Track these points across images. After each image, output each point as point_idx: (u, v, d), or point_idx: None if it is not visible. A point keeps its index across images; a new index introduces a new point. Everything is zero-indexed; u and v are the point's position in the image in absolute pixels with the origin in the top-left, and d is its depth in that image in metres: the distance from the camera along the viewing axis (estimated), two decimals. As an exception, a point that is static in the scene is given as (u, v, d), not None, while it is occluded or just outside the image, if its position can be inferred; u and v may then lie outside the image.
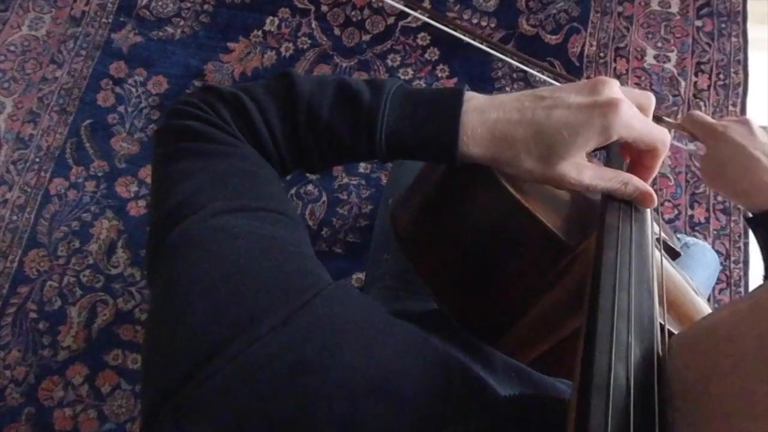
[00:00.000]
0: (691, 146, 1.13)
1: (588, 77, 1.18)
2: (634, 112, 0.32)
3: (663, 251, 0.42)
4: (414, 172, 0.48)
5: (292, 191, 1.14)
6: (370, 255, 0.73)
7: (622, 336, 0.23)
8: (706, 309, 0.42)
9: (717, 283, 1.06)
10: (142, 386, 0.29)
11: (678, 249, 0.51)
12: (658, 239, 0.41)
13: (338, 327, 0.27)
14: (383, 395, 0.26)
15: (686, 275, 0.48)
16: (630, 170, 0.37)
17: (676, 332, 0.31)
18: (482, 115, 0.33)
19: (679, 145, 1.10)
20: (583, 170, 0.33)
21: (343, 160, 0.37)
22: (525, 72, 1.18)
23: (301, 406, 0.24)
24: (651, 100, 0.35)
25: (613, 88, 0.32)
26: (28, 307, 1.08)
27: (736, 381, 0.19)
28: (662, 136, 0.34)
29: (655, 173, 0.36)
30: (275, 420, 0.24)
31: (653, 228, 0.36)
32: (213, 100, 0.35)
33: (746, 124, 0.51)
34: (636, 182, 0.35)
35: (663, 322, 0.29)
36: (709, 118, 0.54)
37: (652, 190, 0.35)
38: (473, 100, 0.34)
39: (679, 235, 0.87)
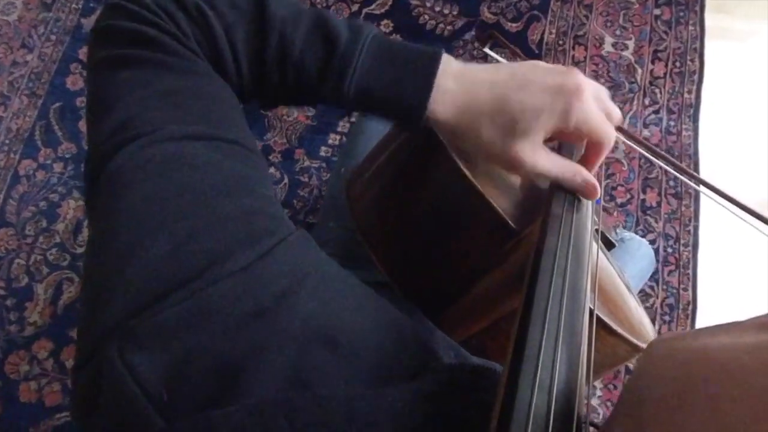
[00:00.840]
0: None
1: (546, 64, 1.20)
2: (594, 105, 0.33)
3: (600, 241, 0.45)
4: (371, 144, 0.49)
5: (255, 173, 1.16)
6: (317, 223, 0.73)
7: (554, 316, 0.25)
8: (631, 298, 0.45)
9: (667, 265, 1.08)
10: (80, 327, 0.27)
11: (614, 240, 0.54)
12: (596, 230, 0.43)
13: (298, 276, 0.27)
14: (334, 346, 0.25)
15: (618, 266, 0.51)
16: (582, 160, 0.38)
17: (602, 316, 0.34)
18: (455, 81, 0.33)
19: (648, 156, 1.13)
20: (538, 153, 0.33)
21: (303, 99, 0.35)
22: (485, 59, 1.21)
23: (252, 349, 0.24)
24: (607, 95, 0.36)
25: (581, 76, 0.33)
26: (-4, 284, 1.11)
27: (706, 427, 0.16)
28: (610, 134, 0.35)
29: (596, 168, 0.37)
30: (224, 360, 0.24)
31: (593, 219, 0.37)
32: (171, 7, 0.30)
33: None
34: (585, 174, 0.35)
35: (593, 307, 0.31)
36: None
37: (597, 184, 0.36)
38: (449, 64, 0.34)
39: (617, 230, 0.91)
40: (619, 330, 0.35)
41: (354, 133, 0.75)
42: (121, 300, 0.24)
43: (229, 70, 0.32)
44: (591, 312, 0.28)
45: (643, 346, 0.36)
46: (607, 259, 0.48)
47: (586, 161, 0.37)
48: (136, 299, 0.24)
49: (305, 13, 0.33)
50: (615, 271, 0.47)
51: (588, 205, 0.37)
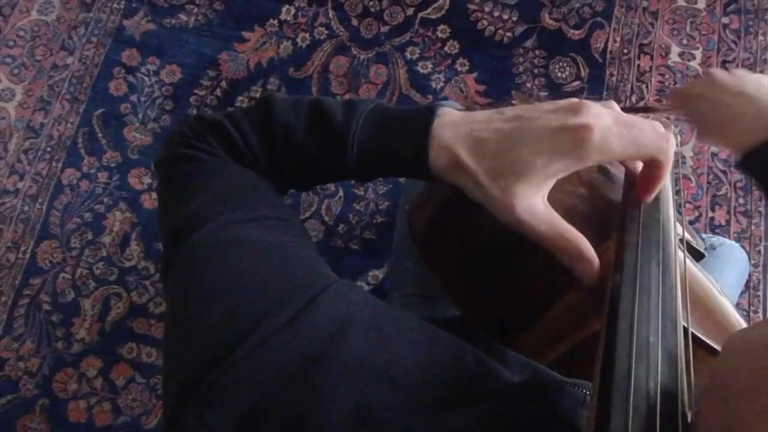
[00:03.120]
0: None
1: (611, 74, 1.16)
2: (611, 133, 0.30)
3: (686, 252, 0.41)
4: None
5: (308, 186, 1.12)
6: (391, 261, 0.73)
7: (643, 338, 0.23)
8: (732, 311, 0.42)
9: (736, 287, 1.05)
10: (163, 387, 0.31)
11: (702, 250, 0.50)
12: (681, 240, 0.40)
13: (343, 319, 0.29)
14: (390, 381, 0.27)
15: (711, 277, 0.47)
16: (637, 181, 0.35)
17: (700, 335, 0.31)
18: (453, 129, 0.32)
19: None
20: (535, 206, 0.30)
21: (323, 179, 0.39)
22: (546, 68, 1.16)
23: (311, 395, 0.26)
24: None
25: (590, 111, 0.30)
26: (41, 299, 1.07)
27: None
28: (656, 145, 0.31)
29: (661, 183, 0.34)
30: (288, 409, 0.26)
31: (676, 229, 0.35)
32: (200, 129, 0.38)
33: (710, 76, 0.53)
34: (586, 253, 0.31)
35: (687, 325, 0.29)
36: (685, 87, 0.55)
37: (596, 263, 0.31)
38: (447, 115, 0.33)
39: (704, 236, 0.85)
40: (720, 348, 0.33)
41: None
42: (188, 367, 0.28)
43: (254, 166, 0.37)
44: (685, 330, 0.26)
45: None
46: (698, 270, 0.45)
47: (646, 179, 0.34)
48: (200, 365, 0.27)
49: (304, 105, 0.36)
50: (710, 283, 0.44)
51: (669, 214, 0.34)
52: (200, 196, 0.35)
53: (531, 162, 0.30)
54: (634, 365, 0.21)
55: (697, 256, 0.50)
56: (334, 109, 0.36)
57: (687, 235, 0.50)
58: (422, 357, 0.29)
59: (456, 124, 0.33)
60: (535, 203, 0.30)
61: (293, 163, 0.37)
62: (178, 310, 0.32)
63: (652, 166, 0.33)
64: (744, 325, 0.41)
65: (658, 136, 0.31)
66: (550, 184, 0.31)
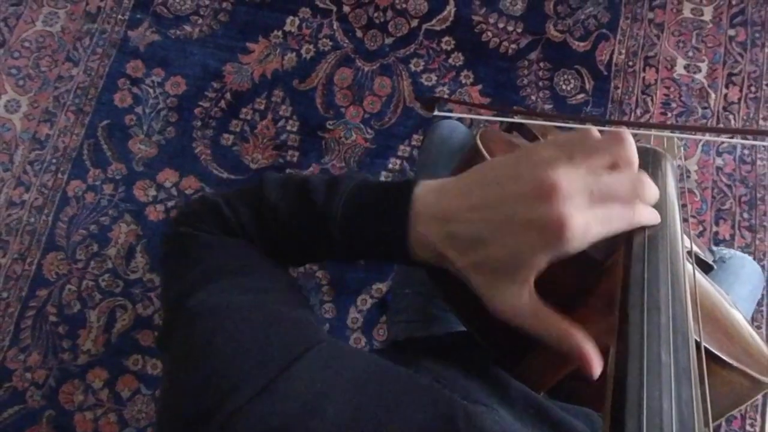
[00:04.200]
0: (719, 160, 1.11)
1: (615, 87, 1.15)
2: (590, 216, 0.28)
3: (695, 265, 0.41)
4: None
5: (312, 199, 1.13)
6: (392, 289, 0.74)
7: (654, 354, 0.23)
8: (744, 324, 0.41)
9: (739, 302, 1.05)
10: None
11: (711, 262, 0.50)
12: (689, 252, 0.40)
13: (321, 388, 0.28)
14: None
15: (721, 290, 0.47)
16: None
17: (712, 349, 0.31)
18: (429, 223, 0.32)
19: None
20: (517, 305, 0.30)
21: (314, 258, 0.40)
22: (551, 80, 1.16)
23: None
24: (625, 146, 0.30)
25: (559, 195, 0.27)
26: (48, 311, 1.08)
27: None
28: (630, 220, 0.30)
29: (652, 221, 0.33)
30: None
31: (683, 242, 0.34)
32: (198, 210, 0.41)
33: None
34: (577, 340, 0.30)
35: (699, 339, 0.28)
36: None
37: (594, 358, 0.29)
38: (420, 200, 0.32)
39: (714, 248, 0.85)
40: (735, 363, 0.32)
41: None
42: None
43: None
44: (698, 345, 0.26)
45: (766, 379, 0.33)
46: (708, 283, 0.45)
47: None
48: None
49: (292, 186, 0.38)
50: (720, 295, 0.44)
51: (676, 227, 0.34)
52: (192, 269, 0.36)
53: (507, 262, 0.29)
54: (646, 383, 0.21)
55: (706, 268, 0.50)
56: (316, 190, 0.36)
57: (695, 248, 0.49)
58: (410, 423, 0.28)
59: (432, 211, 0.32)
60: (517, 302, 0.30)
61: (284, 243, 0.38)
62: (165, 377, 0.33)
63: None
64: (757, 337, 0.40)
65: (628, 213, 0.29)
66: (534, 276, 0.29)
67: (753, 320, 1.05)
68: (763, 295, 1.06)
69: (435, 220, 0.32)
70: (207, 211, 0.40)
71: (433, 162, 0.73)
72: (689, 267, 0.33)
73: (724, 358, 0.31)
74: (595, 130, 0.31)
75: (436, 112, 0.65)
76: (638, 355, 0.22)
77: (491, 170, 0.32)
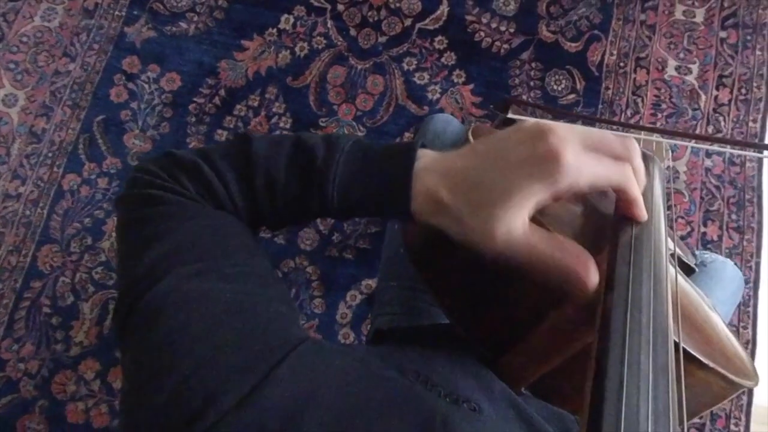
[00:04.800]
0: (708, 162, 1.12)
1: (606, 88, 1.16)
2: (585, 157, 0.30)
3: (677, 268, 0.41)
4: None
5: (304, 195, 1.14)
6: (377, 282, 0.74)
7: (635, 353, 0.23)
8: (722, 327, 0.42)
9: (726, 302, 1.05)
10: None
11: (693, 265, 0.51)
12: (672, 255, 0.40)
13: (304, 393, 0.27)
14: None
15: (701, 292, 0.48)
16: (617, 205, 0.35)
17: (690, 349, 0.31)
18: (432, 171, 0.33)
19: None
20: (514, 230, 0.30)
21: (300, 219, 0.37)
22: (542, 80, 1.17)
23: None
24: (602, 137, 0.32)
25: (556, 135, 0.30)
26: (42, 302, 1.10)
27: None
28: (620, 175, 0.31)
29: (638, 205, 0.33)
30: None
31: (667, 244, 0.35)
32: (172, 168, 0.35)
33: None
34: (576, 266, 0.30)
35: (678, 340, 0.29)
36: None
37: (594, 274, 0.30)
38: (425, 157, 0.34)
39: (697, 252, 0.85)
40: (711, 364, 0.33)
41: None
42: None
43: (228, 207, 0.36)
44: (676, 345, 0.27)
45: (741, 381, 0.34)
46: (689, 285, 0.46)
47: (619, 214, 0.34)
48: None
49: (284, 143, 0.36)
50: (700, 298, 0.44)
51: (660, 230, 0.35)
52: (162, 243, 0.32)
53: (506, 189, 0.30)
54: (626, 380, 0.22)
55: (687, 271, 0.51)
56: (315, 145, 0.35)
57: (678, 251, 0.50)
58: (390, 427, 0.28)
59: (434, 165, 0.33)
60: (514, 227, 0.30)
61: (271, 201, 0.35)
62: (129, 381, 0.29)
63: (620, 199, 0.33)
64: (734, 340, 0.41)
65: (624, 167, 0.31)
66: (529, 207, 0.30)
67: (739, 321, 1.06)
68: (749, 296, 1.07)
69: (435, 172, 0.33)
70: (183, 170, 0.35)
71: None
72: (671, 269, 0.34)
73: (701, 359, 0.32)
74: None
75: (510, 114, 0.64)
76: (619, 352, 0.23)
77: (493, 135, 0.33)
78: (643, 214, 0.33)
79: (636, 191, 0.33)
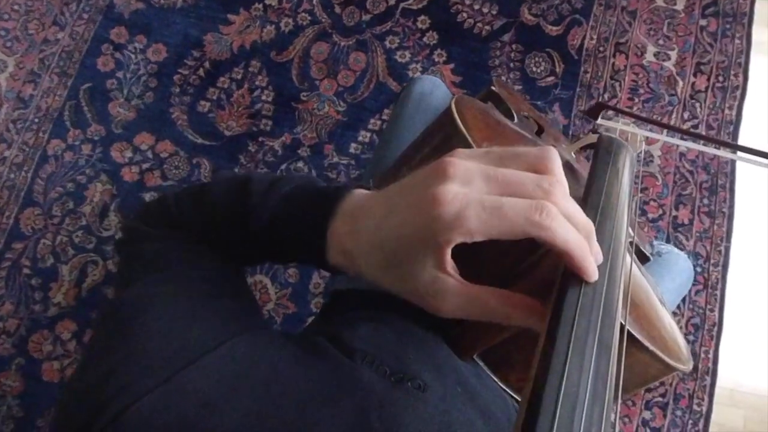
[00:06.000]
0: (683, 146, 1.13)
1: (585, 71, 1.18)
2: (470, 207, 0.24)
3: (634, 255, 0.43)
4: (397, 155, 0.49)
5: (283, 167, 1.16)
6: None
7: (582, 330, 0.24)
8: (666, 315, 0.44)
9: (694, 284, 1.07)
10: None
11: (648, 254, 0.52)
12: (630, 242, 0.41)
13: (226, 385, 0.27)
14: None
15: (652, 280, 0.50)
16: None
17: (634, 332, 0.33)
18: (349, 227, 0.30)
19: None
20: (442, 292, 0.27)
21: (243, 255, 0.39)
22: (522, 62, 1.18)
23: None
24: (547, 155, 0.26)
25: (455, 174, 0.25)
26: (22, 263, 1.12)
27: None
28: (528, 222, 0.24)
29: (584, 269, 0.26)
30: None
31: (628, 231, 0.36)
32: (149, 204, 0.43)
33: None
34: (503, 300, 0.27)
35: (624, 322, 0.30)
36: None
37: (526, 310, 0.27)
38: (350, 201, 0.31)
39: (654, 242, 0.88)
40: (651, 347, 0.35)
41: (381, 145, 0.75)
42: (67, 421, 0.28)
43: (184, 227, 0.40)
44: (622, 327, 0.28)
45: (675, 365, 0.36)
46: (642, 272, 0.47)
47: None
48: (75, 421, 0.27)
49: (239, 178, 0.37)
50: (649, 285, 0.46)
51: (622, 217, 0.36)
52: (132, 263, 0.38)
53: (401, 247, 0.26)
54: (570, 353, 0.23)
55: (643, 259, 0.52)
56: (260, 182, 0.36)
57: (636, 238, 0.52)
58: (317, 427, 0.27)
59: (347, 214, 0.30)
60: (431, 280, 0.26)
61: (215, 234, 0.38)
62: (82, 359, 0.33)
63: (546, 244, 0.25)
64: (675, 327, 0.43)
65: (532, 208, 0.24)
66: (440, 255, 0.26)
67: (706, 304, 1.07)
68: (717, 279, 1.08)
69: (349, 217, 0.30)
70: (155, 205, 0.41)
71: (409, 115, 0.70)
72: (628, 257, 0.34)
73: (643, 341, 0.34)
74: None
75: (600, 120, 0.63)
76: (569, 328, 0.24)
77: (413, 172, 0.29)
78: (588, 271, 0.26)
79: (562, 239, 0.25)
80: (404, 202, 0.27)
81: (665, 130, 1.12)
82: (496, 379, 0.40)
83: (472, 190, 0.25)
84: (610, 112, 0.61)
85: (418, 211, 0.25)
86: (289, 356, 0.32)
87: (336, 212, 0.30)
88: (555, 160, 0.26)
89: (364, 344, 0.35)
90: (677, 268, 0.76)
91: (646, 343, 0.34)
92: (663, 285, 0.72)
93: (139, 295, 0.33)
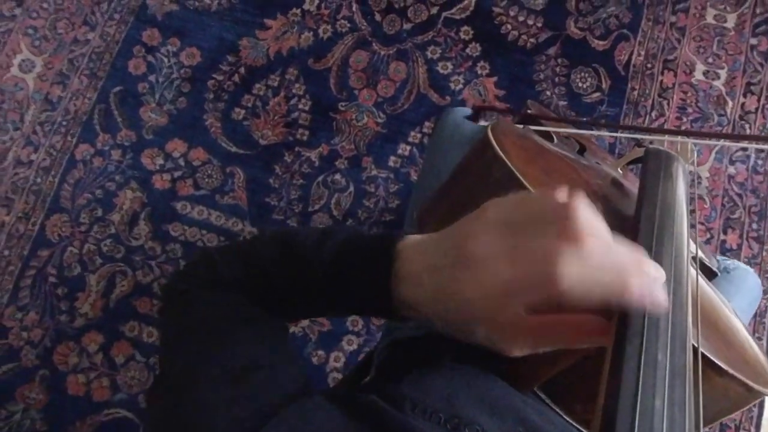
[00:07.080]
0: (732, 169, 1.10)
1: (632, 88, 1.14)
2: (505, 254, 0.26)
3: (699, 271, 0.40)
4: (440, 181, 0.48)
5: (320, 179, 1.12)
6: None
7: (651, 356, 0.23)
8: (744, 333, 0.41)
9: (741, 312, 1.04)
10: None
11: (715, 269, 0.50)
12: (694, 257, 0.40)
13: None
14: None
15: (723, 297, 0.46)
16: None
17: (709, 354, 0.31)
18: (412, 283, 0.30)
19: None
20: (511, 327, 0.26)
21: (306, 311, 0.39)
22: (568, 77, 1.15)
23: None
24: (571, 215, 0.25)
25: (574, 225, 0.24)
26: (48, 271, 1.08)
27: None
28: (619, 282, 0.24)
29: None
30: None
31: (690, 246, 0.34)
32: (195, 261, 0.41)
33: None
34: (578, 336, 0.27)
35: (696, 344, 0.28)
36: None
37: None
38: (403, 258, 0.31)
39: (719, 258, 0.84)
40: (730, 369, 0.32)
41: (424, 173, 0.74)
42: None
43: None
44: (695, 349, 0.26)
45: (760, 389, 0.33)
46: (712, 289, 0.44)
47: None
48: None
49: (278, 236, 0.38)
50: (722, 303, 0.43)
51: (682, 232, 0.34)
52: (174, 324, 0.38)
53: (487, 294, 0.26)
54: (641, 381, 0.21)
55: (709, 275, 0.50)
56: (305, 242, 0.35)
57: (700, 253, 0.49)
58: None
59: (408, 278, 0.30)
60: (508, 325, 0.26)
61: (273, 295, 0.37)
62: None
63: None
64: (755, 347, 0.40)
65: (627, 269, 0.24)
66: (513, 312, 0.26)
67: (754, 332, 1.04)
68: (766, 307, 1.05)
69: (411, 282, 0.30)
70: (201, 263, 0.39)
71: (445, 149, 0.71)
72: (693, 271, 0.33)
73: (720, 364, 0.31)
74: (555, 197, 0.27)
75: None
76: (636, 354, 0.22)
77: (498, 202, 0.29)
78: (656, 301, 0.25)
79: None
80: (521, 241, 0.26)
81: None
82: (560, 412, 0.38)
83: (499, 250, 0.26)
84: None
85: (533, 257, 0.25)
86: (335, 417, 0.31)
87: (393, 276, 0.30)
88: (574, 215, 0.25)
89: (414, 393, 0.33)
90: (746, 285, 0.72)
91: (724, 366, 0.32)
92: (734, 303, 0.68)
93: (183, 370, 0.33)
